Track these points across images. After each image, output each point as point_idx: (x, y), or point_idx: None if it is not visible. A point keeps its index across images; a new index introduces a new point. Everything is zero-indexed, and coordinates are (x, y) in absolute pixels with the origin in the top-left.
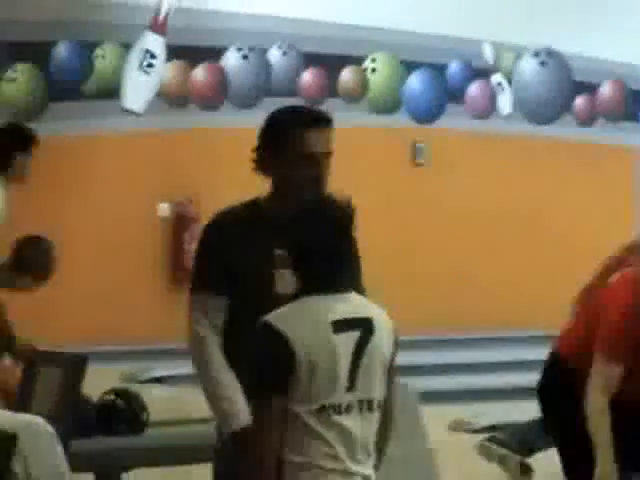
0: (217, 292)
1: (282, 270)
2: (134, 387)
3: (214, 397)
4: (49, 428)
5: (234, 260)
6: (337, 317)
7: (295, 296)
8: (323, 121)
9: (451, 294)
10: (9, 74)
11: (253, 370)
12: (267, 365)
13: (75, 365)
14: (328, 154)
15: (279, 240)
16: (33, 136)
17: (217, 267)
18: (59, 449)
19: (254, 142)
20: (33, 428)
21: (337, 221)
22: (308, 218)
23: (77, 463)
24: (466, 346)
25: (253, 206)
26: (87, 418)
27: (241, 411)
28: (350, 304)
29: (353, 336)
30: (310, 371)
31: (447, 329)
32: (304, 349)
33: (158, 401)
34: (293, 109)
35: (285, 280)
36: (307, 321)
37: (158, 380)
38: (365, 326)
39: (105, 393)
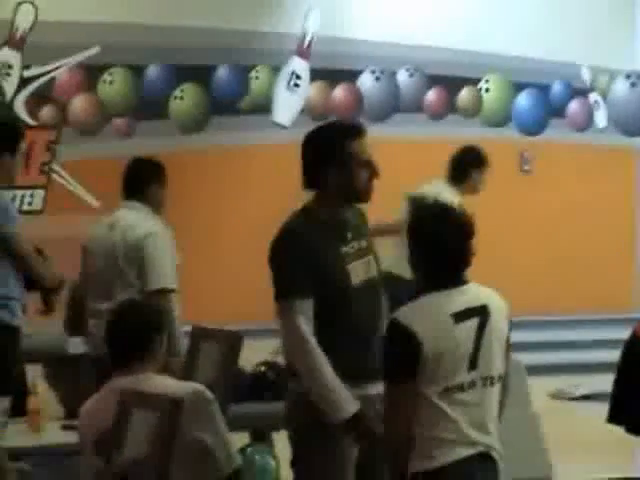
0: (308, 295)
1: (352, 264)
2: None
3: (325, 389)
4: (210, 394)
5: (315, 263)
6: (457, 309)
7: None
8: (363, 131)
9: (553, 280)
10: (177, 93)
11: (387, 361)
12: (398, 357)
13: (232, 341)
14: (370, 160)
15: (342, 238)
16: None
17: (305, 272)
18: (219, 413)
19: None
20: (197, 394)
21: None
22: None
23: (235, 425)
24: (565, 326)
25: (309, 213)
26: (242, 387)
27: (350, 401)
28: (468, 295)
29: (473, 323)
30: (435, 359)
31: (549, 311)
32: (429, 341)
33: None
34: (335, 124)
35: (356, 272)
36: (430, 316)
37: None
38: (483, 312)
39: (257, 365)
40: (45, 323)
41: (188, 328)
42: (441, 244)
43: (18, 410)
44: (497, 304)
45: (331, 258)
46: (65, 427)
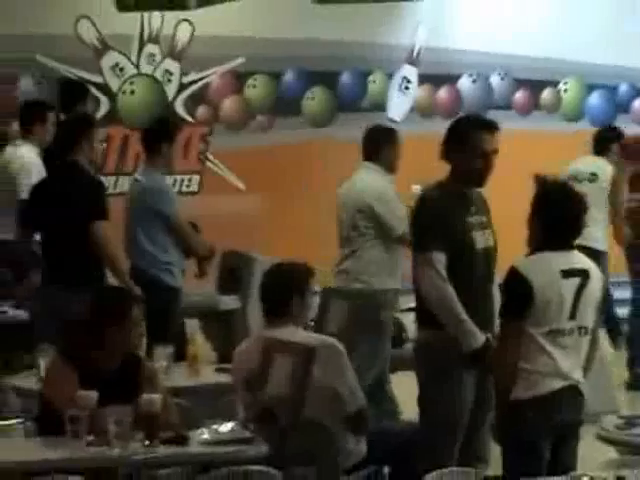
0: (442, 250)
1: (474, 232)
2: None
3: (462, 322)
4: (340, 346)
5: (448, 224)
6: (565, 267)
7: (535, 250)
8: (493, 126)
9: None
10: (309, 94)
11: (504, 302)
12: (513, 299)
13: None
14: (495, 151)
15: (467, 210)
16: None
17: (441, 231)
18: (347, 361)
19: None
20: (329, 346)
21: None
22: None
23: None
24: None
25: (443, 186)
26: None
27: (479, 333)
28: (574, 258)
29: (575, 281)
30: (543, 304)
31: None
32: (540, 289)
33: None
34: (471, 117)
35: (478, 240)
36: (544, 269)
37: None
38: (584, 275)
39: None
40: (200, 284)
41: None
42: (560, 213)
43: (179, 356)
44: (595, 272)
45: (459, 224)
46: (218, 370)
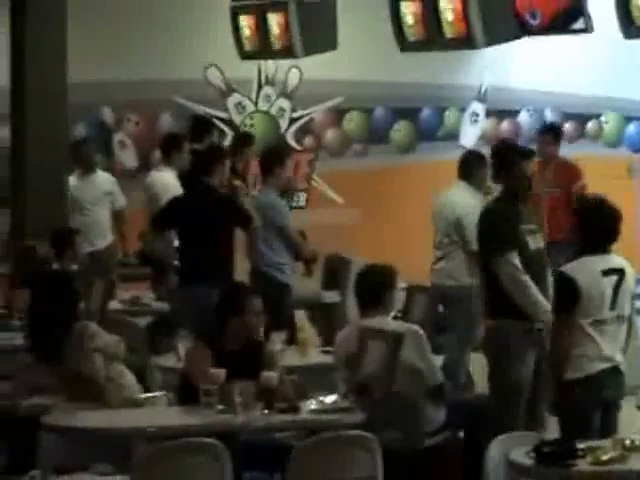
0: (515, 249)
1: (528, 236)
2: None
3: (539, 302)
4: (422, 332)
5: (514, 229)
6: (604, 268)
7: (578, 255)
8: (531, 154)
9: None
10: (396, 127)
11: (556, 300)
12: (563, 295)
13: (433, 295)
14: (533, 174)
15: (520, 219)
16: None
17: (510, 234)
18: (428, 344)
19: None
20: (413, 332)
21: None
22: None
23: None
24: None
25: (500, 200)
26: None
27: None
28: (612, 260)
29: (613, 278)
30: (588, 299)
31: None
32: (584, 286)
33: None
34: (512, 146)
35: (532, 242)
36: (586, 270)
37: None
38: (621, 273)
39: None
40: (308, 282)
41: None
42: (599, 224)
43: (291, 341)
44: (629, 269)
45: (517, 230)
46: (323, 352)
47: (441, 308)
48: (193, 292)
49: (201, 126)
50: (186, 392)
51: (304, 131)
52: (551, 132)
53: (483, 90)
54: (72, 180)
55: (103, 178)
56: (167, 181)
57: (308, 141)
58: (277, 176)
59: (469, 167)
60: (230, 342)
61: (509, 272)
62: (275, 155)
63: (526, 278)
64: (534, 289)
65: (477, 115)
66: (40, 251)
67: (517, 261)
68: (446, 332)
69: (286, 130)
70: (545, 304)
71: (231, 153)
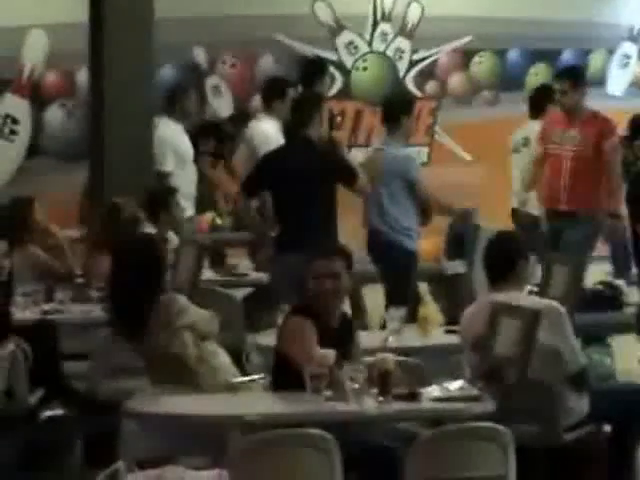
0: None
1: None
2: None
3: None
4: (562, 308)
5: None
6: None
7: None
8: None
9: None
10: (532, 71)
11: None
12: None
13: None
14: None
15: None
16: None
17: None
18: (568, 323)
19: None
20: (551, 308)
21: None
22: None
23: (579, 330)
24: None
25: None
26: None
27: None
28: None
29: None
30: None
31: None
32: None
33: None
34: None
35: None
36: None
37: None
38: None
39: (595, 284)
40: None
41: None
42: None
43: (411, 318)
44: None
45: None
46: (447, 331)
47: None
48: (292, 260)
49: (314, 69)
50: (283, 374)
51: (426, 76)
52: (568, 77)
53: (637, 30)
54: (163, 130)
55: None
56: (268, 133)
57: (430, 87)
58: (404, 126)
59: None
60: (325, 319)
61: None
62: (402, 102)
63: None
64: None
65: (629, 58)
66: (127, 211)
67: None
68: None
69: (405, 74)
70: None
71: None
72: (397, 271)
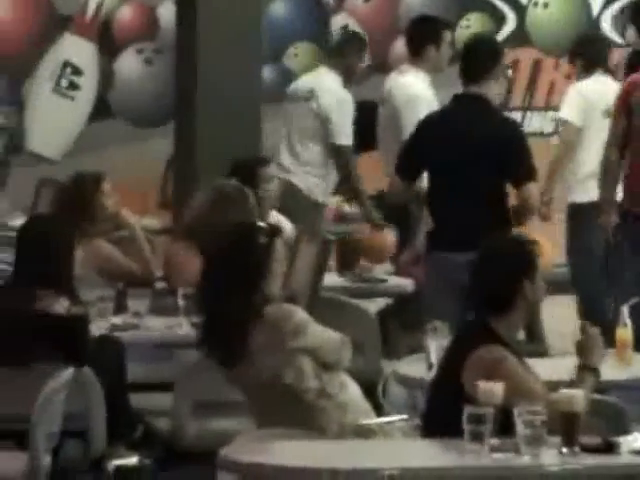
0: None
1: None
2: None
3: None
4: None
5: None
6: None
7: None
8: None
9: None
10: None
11: None
12: None
13: None
14: None
15: None
16: None
17: None
18: None
19: None
20: None
21: None
22: None
23: None
24: None
25: None
26: None
27: None
28: None
29: None
30: None
31: None
32: None
33: None
34: None
35: None
36: None
37: None
38: None
39: None
40: None
41: None
42: None
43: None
44: None
45: None
46: None
47: None
48: (450, 263)
49: None
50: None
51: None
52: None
53: None
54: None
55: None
56: (416, 92)
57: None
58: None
59: None
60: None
61: None
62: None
63: None
64: None
65: None
66: (236, 199)
67: None
68: None
69: (600, 13)
70: None
71: None
72: None
